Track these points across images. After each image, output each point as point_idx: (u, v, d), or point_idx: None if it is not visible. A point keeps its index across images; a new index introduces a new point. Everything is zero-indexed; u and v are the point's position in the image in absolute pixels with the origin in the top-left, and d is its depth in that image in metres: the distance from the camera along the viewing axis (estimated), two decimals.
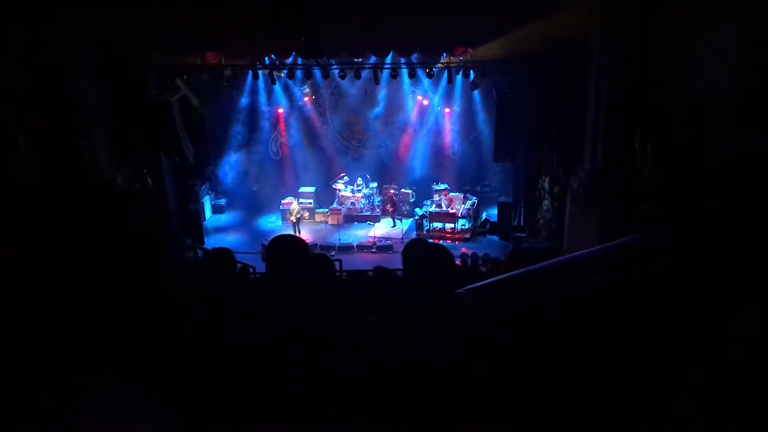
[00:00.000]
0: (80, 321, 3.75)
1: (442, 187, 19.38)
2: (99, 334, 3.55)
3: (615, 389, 2.46)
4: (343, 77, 17.30)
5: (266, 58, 17.03)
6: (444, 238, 17.77)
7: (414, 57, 16.86)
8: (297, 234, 17.18)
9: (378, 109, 20.26)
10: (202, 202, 19.14)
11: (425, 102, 20.23)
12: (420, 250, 3.47)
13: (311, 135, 20.90)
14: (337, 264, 11.49)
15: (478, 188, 20.45)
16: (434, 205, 18.76)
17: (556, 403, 2.61)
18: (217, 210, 20.45)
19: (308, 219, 19.27)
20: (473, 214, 18.55)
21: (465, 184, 20.31)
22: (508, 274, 3.38)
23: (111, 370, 3.07)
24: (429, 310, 3.13)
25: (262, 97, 20.05)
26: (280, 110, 20.57)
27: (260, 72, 17.51)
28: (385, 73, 17.42)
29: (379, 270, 8.78)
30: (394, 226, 18.97)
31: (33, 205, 11.12)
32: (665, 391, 2.29)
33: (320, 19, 12.98)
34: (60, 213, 11.44)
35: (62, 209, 11.67)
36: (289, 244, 3.65)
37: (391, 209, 19.15)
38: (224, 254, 3.90)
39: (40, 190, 11.66)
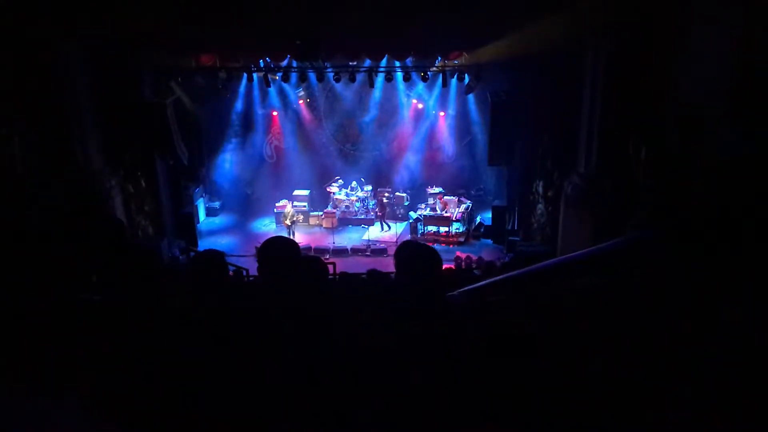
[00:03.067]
0: (74, 323, 3.72)
1: (437, 190, 19.39)
2: (95, 335, 3.53)
3: (610, 388, 2.45)
4: (337, 80, 17.29)
5: (261, 60, 17.02)
6: (438, 242, 17.75)
7: (409, 60, 16.88)
8: (291, 237, 17.16)
9: (372, 113, 20.27)
10: (196, 205, 19.08)
11: (420, 105, 20.26)
12: (409, 252, 3.46)
13: (306, 138, 20.89)
14: (330, 267, 11.50)
15: (473, 192, 20.47)
16: (429, 209, 18.76)
17: (551, 404, 2.60)
18: (210, 213, 20.38)
19: (302, 222, 19.22)
20: (468, 218, 18.56)
21: (459, 187, 20.31)
22: (501, 276, 3.38)
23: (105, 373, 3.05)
24: (420, 311, 3.12)
25: (257, 100, 20.07)
26: (275, 113, 20.57)
27: (255, 75, 17.50)
28: (380, 77, 17.42)
29: (373, 273, 8.78)
30: (383, 230, 18.96)
31: (27, 205, 11.08)
32: (661, 389, 2.28)
33: (316, 22, 12.97)
34: (55, 213, 11.40)
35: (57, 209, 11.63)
36: (281, 246, 3.63)
37: (380, 213, 19.14)
38: (214, 256, 3.87)
39: (35, 190, 11.62)
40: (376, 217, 19.33)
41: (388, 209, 19.51)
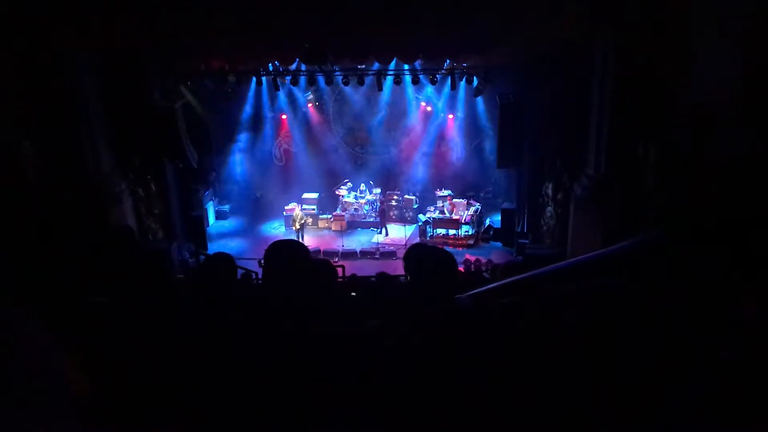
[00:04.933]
0: (82, 324, 3.73)
1: (446, 193, 19.35)
2: (101, 338, 3.53)
3: (620, 391, 2.44)
4: (346, 83, 17.29)
5: (270, 64, 17.06)
6: (447, 245, 17.70)
7: (417, 63, 16.86)
8: (300, 240, 17.16)
9: (381, 116, 20.27)
10: (206, 208, 19.15)
11: (428, 108, 20.24)
12: (420, 255, 3.45)
13: (315, 141, 20.94)
14: (340, 270, 11.49)
15: (482, 194, 20.41)
16: (438, 212, 18.72)
17: (560, 408, 2.59)
18: (220, 216, 20.45)
19: (311, 225, 19.25)
20: (477, 220, 18.51)
21: (468, 190, 20.25)
22: (509, 279, 3.36)
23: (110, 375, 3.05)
24: (430, 314, 3.11)
25: (266, 103, 20.13)
26: (284, 116, 20.63)
27: (264, 78, 17.55)
28: (389, 80, 17.41)
29: (382, 276, 8.77)
30: (384, 235, 18.94)
31: (37, 209, 11.15)
32: (671, 391, 2.27)
33: (324, 25, 12.98)
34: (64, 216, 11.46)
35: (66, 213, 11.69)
36: (290, 249, 3.62)
37: (380, 216, 19.12)
38: (224, 259, 3.87)
39: (45, 194, 11.69)
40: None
41: (395, 212, 19.48)
